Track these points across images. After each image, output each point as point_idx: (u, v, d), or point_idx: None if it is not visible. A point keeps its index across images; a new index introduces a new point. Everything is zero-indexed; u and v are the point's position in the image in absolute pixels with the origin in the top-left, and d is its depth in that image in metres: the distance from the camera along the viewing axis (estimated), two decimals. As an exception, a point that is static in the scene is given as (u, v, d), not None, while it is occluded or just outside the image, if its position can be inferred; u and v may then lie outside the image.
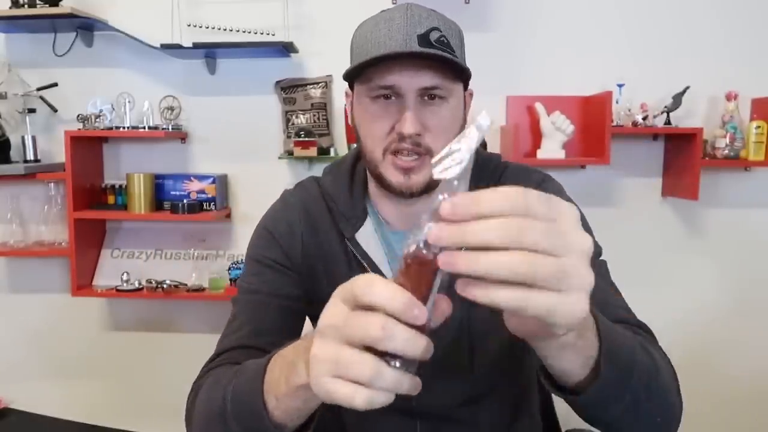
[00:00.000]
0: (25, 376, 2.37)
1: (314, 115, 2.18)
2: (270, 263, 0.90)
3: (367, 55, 0.78)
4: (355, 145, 2.07)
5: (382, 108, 0.81)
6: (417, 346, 0.41)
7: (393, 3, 2.12)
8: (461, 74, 0.80)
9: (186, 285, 2.17)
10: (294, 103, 2.20)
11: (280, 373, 0.57)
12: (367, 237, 0.89)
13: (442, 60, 0.76)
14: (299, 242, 0.91)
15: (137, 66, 2.23)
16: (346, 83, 0.87)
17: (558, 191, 0.88)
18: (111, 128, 2.13)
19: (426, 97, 0.79)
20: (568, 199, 0.87)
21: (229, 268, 2.15)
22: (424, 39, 0.77)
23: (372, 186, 0.91)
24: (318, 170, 2.23)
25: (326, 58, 2.20)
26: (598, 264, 0.82)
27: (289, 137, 2.18)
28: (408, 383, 0.42)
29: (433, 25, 0.78)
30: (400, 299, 0.40)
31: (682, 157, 2.10)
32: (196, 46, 2.06)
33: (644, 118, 2.09)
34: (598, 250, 0.84)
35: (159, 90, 2.21)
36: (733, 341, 2.27)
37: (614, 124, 2.08)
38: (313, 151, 2.09)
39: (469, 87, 0.88)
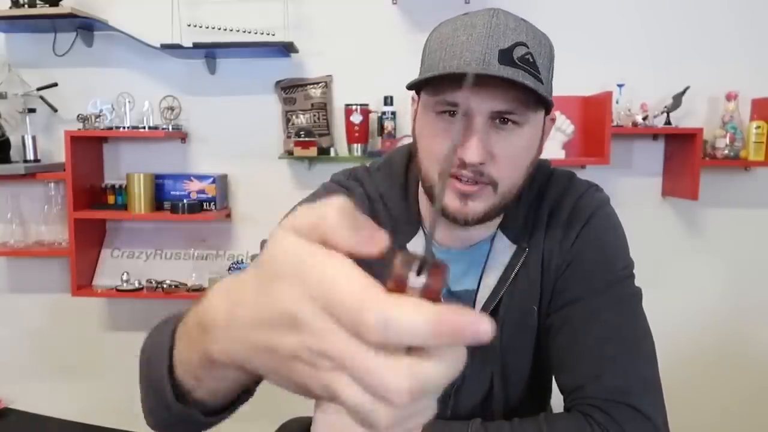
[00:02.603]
0: (25, 376, 2.37)
1: (314, 115, 2.18)
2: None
3: (439, 64, 0.69)
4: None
5: (446, 126, 0.71)
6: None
7: (393, 3, 2.12)
8: (543, 100, 0.70)
9: (186, 285, 2.17)
10: (294, 103, 2.20)
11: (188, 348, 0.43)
12: (417, 250, 0.80)
13: (521, 85, 0.66)
14: None
15: (137, 66, 2.23)
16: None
17: (603, 202, 0.84)
18: (111, 128, 2.13)
19: (498, 120, 0.70)
20: (612, 212, 0.85)
21: (229, 268, 2.15)
22: (506, 55, 0.66)
23: (423, 200, 0.82)
24: (318, 170, 2.24)
25: (326, 58, 2.20)
26: (620, 293, 0.78)
27: (289, 137, 2.18)
28: None
29: (519, 40, 0.68)
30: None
31: (682, 157, 2.10)
32: (196, 46, 2.06)
33: (644, 118, 2.09)
34: (625, 273, 0.80)
35: (159, 90, 2.21)
36: (733, 341, 2.27)
37: (614, 124, 2.08)
38: (313, 151, 2.09)
39: (552, 112, 0.77)
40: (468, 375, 0.83)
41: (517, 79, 0.65)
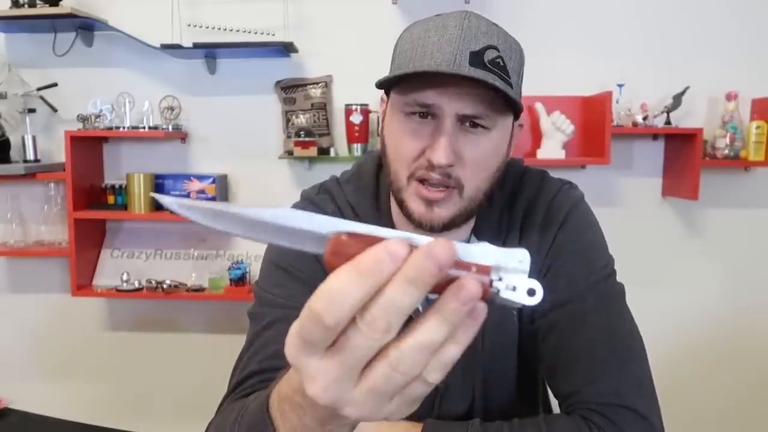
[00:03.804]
0: (25, 376, 2.37)
1: (314, 115, 2.18)
2: (299, 275, 0.78)
3: (409, 64, 0.69)
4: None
5: (415, 127, 0.71)
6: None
7: (393, 3, 2.12)
8: (512, 104, 0.69)
9: (186, 285, 2.17)
10: (294, 103, 2.20)
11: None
12: None
13: (492, 87, 0.65)
14: None
15: (137, 66, 2.23)
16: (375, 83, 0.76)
17: (578, 200, 0.83)
18: (111, 128, 2.13)
19: (467, 124, 0.69)
20: (588, 210, 0.83)
21: (229, 268, 2.15)
22: (477, 58, 0.66)
23: (395, 206, 0.81)
24: (318, 170, 2.24)
25: (326, 58, 2.20)
26: (604, 293, 0.77)
27: (289, 137, 2.18)
28: None
29: (490, 43, 0.67)
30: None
31: (682, 157, 2.10)
32: (196, 46, 2.06)
33: (644, 118, 2.09)
34: (606, 272, 0.79)
35: (159, 90, 2.21)
36: (732, 341, 2.27)
37: (614, 124, 2.08)
38: (313, 151, 2.09)
39: (521, 118, 0.76)
40: (451, 381, 0.82)
41: (487, 81, 0.65)
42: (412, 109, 0.70)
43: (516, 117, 0.74)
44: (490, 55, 0.67)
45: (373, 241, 0.32)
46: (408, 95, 0.70)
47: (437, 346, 0.33)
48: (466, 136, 0.70)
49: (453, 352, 0.34)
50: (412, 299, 0.31)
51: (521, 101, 0.73)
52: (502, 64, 0.67)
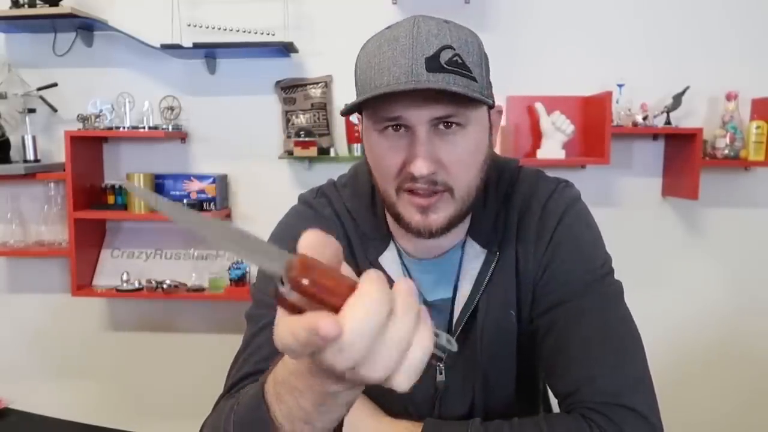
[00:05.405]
0: (25, 376, 2.37)
1: (314, 115, 2.18)
2: None
3: (369, 84, 0.69)
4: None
5: (390, 142, 0.71)
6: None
7: (393, 3, 2.12)
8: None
9: (186, 285, 2.17)
10: (294, 103, 2.20)
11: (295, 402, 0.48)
12: (389, 263, 0.81)
13: (451, 93, 0.66)
14: None
15: (137, 66, 2.23)
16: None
17: (574, 199, 0.83)
18: (111, 128, 2.13)
19: (441, 125, 0.69)
20: (584, 208, 0.83)
21: (229, 268, 2.15)
22: (433, 62, 0.66)
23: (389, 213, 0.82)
24: (318, 170, 2.24)
25: (326, 58, 2.20)
26: (601, 292, 0.77)
27: (289, 137, 2.18)
28: None
29: (444, 44, 0.67)
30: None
31: (682, 157, 2.10)
32: (196, 46, 2.06)
33: (644, 118, 2.09)
34: (604, 271, 0.79)
35: (159, 90, 2.21)
36: (733, 341, 2.27)
37: (614, 124, 2.08)
38: (313, 151, 2.09)
39: (497, 103, 0.75)
40: (451, 381, 0.82)
41: (448, 87, 0.65)
42: (383, 125, 0.71)
43: (491, 106, 0.74)
44: (446, 55, 0.67)
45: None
46: (376, 114, 0.70)
47: (405, 345, 0.38)
48: (443, 138, 0.70)
49: (418, 354, 0.38)
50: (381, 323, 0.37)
51: (492, 91, 0.73)
52: (460, 61, 0.67)
